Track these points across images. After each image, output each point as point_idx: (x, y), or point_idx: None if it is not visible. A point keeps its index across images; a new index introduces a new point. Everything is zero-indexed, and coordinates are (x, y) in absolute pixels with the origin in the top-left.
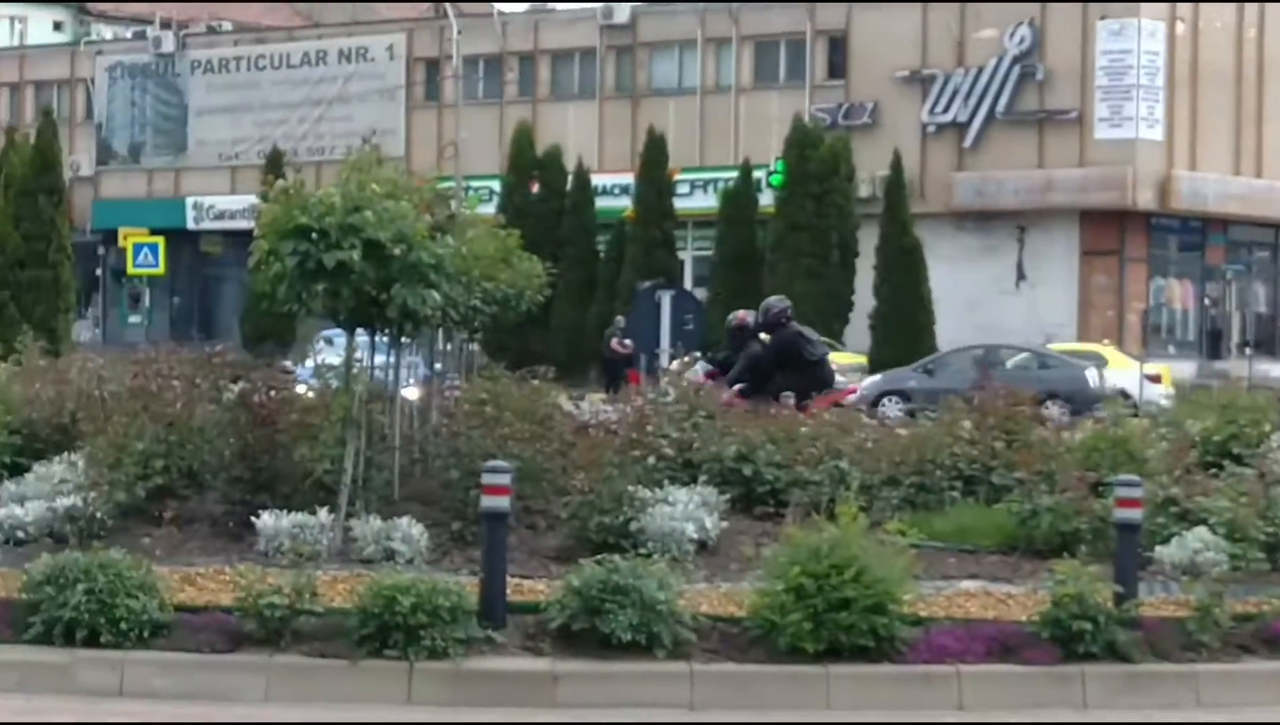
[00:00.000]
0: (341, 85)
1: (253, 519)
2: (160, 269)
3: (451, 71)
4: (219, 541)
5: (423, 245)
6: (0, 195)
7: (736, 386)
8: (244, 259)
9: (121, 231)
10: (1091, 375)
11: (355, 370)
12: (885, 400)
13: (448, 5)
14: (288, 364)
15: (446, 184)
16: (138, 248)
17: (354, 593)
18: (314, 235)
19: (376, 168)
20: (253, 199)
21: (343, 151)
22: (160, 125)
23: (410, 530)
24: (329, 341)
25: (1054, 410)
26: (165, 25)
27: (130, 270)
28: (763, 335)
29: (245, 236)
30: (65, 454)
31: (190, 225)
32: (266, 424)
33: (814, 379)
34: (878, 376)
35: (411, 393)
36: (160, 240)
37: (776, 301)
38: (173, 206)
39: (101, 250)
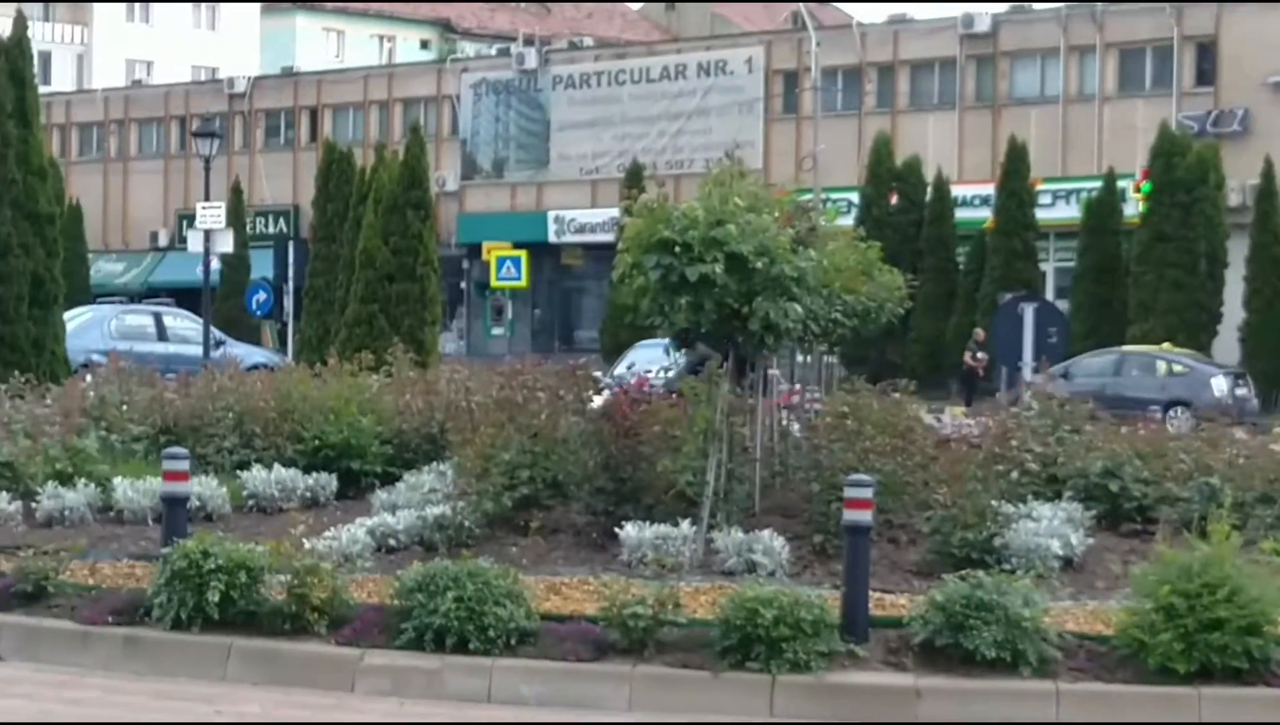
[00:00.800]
0: (700, 98)
1: (616, 530)
2: (523, 282)
3: (810, 83)
4: (583, 551)
5: (785, 258)
6: (370, 210)
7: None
8: (604, 272)
9: (485, 245)
10: (1218, 384)
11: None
12: None
13: (807, 17)
14: (596, 374)
15: (805, 196)
16: (501, 261)
17: (716, 604)
18: (677, 249)
19: (738, 181)
20: (613, 212)
21: (701, 165)
22: (522, 140)
23: (772, 543)
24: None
25: (1178, 418)
26: (528, 42)
27: (494, 283)
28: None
29: (605, 249)
30: (434, 463)
31: (551, 238)
32: (629, 436)
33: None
34: None
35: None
36: (523, 253)
37: None
38: (534, 220)
39: (466, 263)
